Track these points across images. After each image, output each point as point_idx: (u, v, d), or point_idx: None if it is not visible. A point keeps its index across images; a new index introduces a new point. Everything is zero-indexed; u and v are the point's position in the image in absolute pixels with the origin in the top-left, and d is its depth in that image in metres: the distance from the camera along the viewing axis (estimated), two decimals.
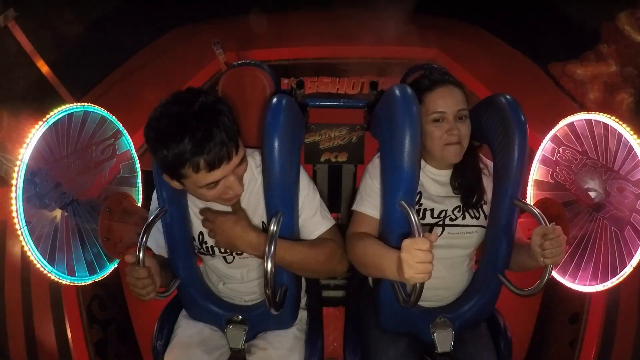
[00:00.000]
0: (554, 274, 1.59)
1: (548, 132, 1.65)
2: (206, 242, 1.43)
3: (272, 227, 1.24)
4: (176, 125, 1.10)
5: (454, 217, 1.44)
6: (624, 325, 1.79)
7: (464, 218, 1.45)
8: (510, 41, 2.98)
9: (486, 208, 1.48)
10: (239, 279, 1.48)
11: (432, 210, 1.43)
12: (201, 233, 1.43)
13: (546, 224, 1.27)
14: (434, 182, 1.46)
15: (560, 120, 1.59)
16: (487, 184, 1.49)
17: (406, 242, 1.11)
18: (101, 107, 1.56)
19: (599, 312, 1.77)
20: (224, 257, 1.44)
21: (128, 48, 2.92)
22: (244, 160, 1.23)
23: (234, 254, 1.43)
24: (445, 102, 1.36)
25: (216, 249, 1.42)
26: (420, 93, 1.38)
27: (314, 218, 1.41)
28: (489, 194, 1.47)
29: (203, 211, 1.36)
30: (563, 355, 1.89)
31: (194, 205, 1.42)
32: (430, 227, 1.42)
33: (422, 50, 2.72)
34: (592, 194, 1.52)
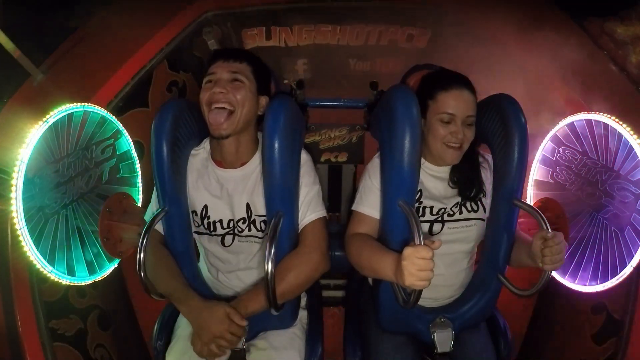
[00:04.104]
0: (554, 274, 1.59)
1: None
2: (208, 217, 1.43)
3: (272, 228, 1.24)
4: None
5: (452, 212, 1.44)
6: None
7: (461, 213, 1.45)
8: None
9: (485, 201, 1.47)
10: (238, 265, 1.47)
11: (431, 207, 1.43)
12: (205, 207, 1.43)
13: (547, 226, 1.27)
14: (434, 178, 1.46)
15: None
16: (486, 177, 1.48)
17: (408, 251, 1.10)
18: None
19: None
20: (222, 239, 1.44)
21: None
22: (245, 87, 1.37)
23: (234, 235, 1.43)
24: (457, 104, 1.35)
25: (218, 224, 1.43)
26: (434, 89, 1.38)
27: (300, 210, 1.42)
28: (488, 187, 1.47)
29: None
30: (584, 348, 1.72)
31: (201, 177, 1.44)
32: (430, 224, 1.42)
33: None
34: (592, 194, 1.52)
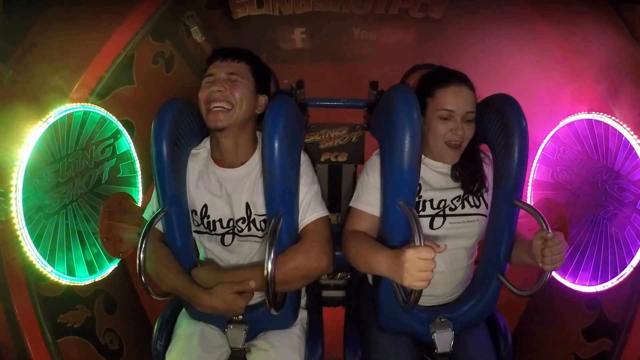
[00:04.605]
0: (554, 274, 1.59)
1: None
2: (208, 216, 1.43)
3: (272, 228, 1.24)
4: None
5: (453, 206, 1.43)
6: None
7: (463, 207, 1.44)
8: None
9: (487, 196, 1.46)
10: (237, 264, 1.46)
11: (431, 200, 1.42)
12: (205, 206, 1.43)
13: (546, 226, 1.27)
14: (434, 172, 1.46)
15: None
16: (489, 171, 1.48)
17: (410, 253, 1.10)
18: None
19: None
20: (222, 238, 1.44)
21: None
22: (244, 85, 1.36)
23: (233, 234, 1.43)
24: (456, 101, 1.35)
25: (217, 224, 1.43)
26: (433, 86, 1.38)
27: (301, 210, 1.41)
28: (490, 182, 1.46)
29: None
30: (575, 342, 1.71)
31: (201, 176, 1.43)
32: (430, 218, 1.42)
33: None
34: (592, 195, 1.52)
